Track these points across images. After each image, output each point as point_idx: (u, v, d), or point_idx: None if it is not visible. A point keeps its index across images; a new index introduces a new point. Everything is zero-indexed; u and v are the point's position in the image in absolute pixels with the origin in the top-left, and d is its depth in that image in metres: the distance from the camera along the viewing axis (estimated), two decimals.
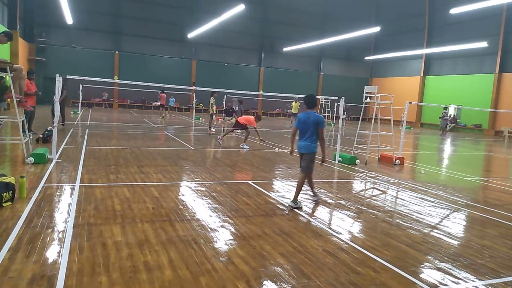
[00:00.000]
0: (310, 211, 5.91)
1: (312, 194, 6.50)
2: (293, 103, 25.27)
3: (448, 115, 27.11)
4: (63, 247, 3.92)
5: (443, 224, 5.69)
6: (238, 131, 16.30)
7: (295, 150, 6.25)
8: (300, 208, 5.91)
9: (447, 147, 19.27)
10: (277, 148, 10.05)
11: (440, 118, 26.79)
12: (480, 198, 7.72)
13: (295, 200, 5.99)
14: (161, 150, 11.10)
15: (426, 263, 4.15)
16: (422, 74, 35.50)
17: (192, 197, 6.30)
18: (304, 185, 6.20)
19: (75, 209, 5.17)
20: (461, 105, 27.97)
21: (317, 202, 6.38)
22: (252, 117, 13.37)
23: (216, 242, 4.36)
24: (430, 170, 10.88)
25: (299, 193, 6.03)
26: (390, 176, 9.44)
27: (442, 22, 33.09)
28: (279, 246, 4.35)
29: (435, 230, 5.33)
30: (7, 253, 3.69)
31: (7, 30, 8.64)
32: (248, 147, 12.72)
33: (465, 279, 3.79)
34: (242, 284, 3.41)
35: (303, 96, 6.38)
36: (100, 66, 32.11)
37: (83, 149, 10.17)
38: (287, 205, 6.04)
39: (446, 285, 3.65)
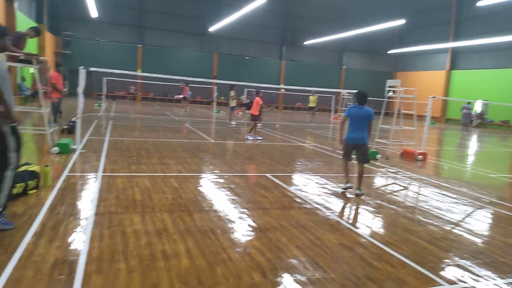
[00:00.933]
0: (328, 205, 5.88)
1: (354, 185, 6.73)
2: (311, 97, 24.99)
3: (474, 110, 26.07)
4: (84, 234, 4.03)
5: (464, 220, 5.57)
6: (259, 124, 16.29)
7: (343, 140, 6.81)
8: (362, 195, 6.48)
9: (473, 143, 18.78)
10: (446, 166, 9.74)
11: (461, 112, 25.55)
12: (506, 196, 7.51)
13: (359, 187, 6.56)
14: (181, 142, 11.23)
15: (445, 260, 4.07)
16: (448, 68, 34.58)
17: (210, 188, 6.36)
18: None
19: (97, 198, 5.30)
20: (488, 100, 27.14)
21: (358, 195, 6.52)
22: (257, 102, 13.10)
23: (233, 233, 4.39)
24: (453, 166, 10.64)
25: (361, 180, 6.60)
26: (412, 171, 9.28)
27: (470, 15, 32.08)
28: (295, 238, 4.35)
29: (456, 227, 5.22)
30: (32, 238, 3.82)
31: (36, 25, 8.89)
32: (252, 138, 12.66)
33: (485, 277, 3.71)
34: (257, 274, 3.43)
35: (321, 89, 6.64)
36: (124, 59, 32.60)
37: (106, 140, 10.39)
38: (354, 193, 6.52)
39: (465, 282, 3.58)
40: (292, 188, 6.69)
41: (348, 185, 6.76)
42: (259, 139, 12.63)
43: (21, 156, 4.19)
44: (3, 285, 2.95)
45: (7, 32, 6.84)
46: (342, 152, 6.96)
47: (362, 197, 6.45)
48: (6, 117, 3.93)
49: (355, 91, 11.94)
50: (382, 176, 8.61)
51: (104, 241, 3.90)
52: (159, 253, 3.71)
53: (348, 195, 6.52)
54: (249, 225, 4.69)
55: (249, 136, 12.79)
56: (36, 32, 8.22)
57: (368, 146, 6.67)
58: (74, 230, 4.13)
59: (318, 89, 12.75)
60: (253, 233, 4.44)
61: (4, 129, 3.94)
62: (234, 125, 17.37)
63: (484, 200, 6.87)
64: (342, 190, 6.71)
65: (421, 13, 36.61)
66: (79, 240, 3.87)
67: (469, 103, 25.23)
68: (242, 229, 4.54)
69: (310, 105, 25.04)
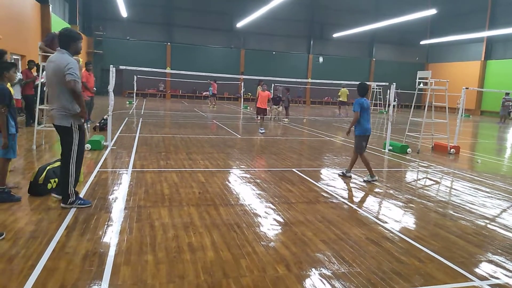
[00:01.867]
0: (355, 199, 5.81)
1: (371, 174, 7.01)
2: (342, 90, 23.91)
3: (511, 101, 24.93)
4: (114, 227, 4.16)
5: (498, 215, 5.37)
6: (286, 119, 16.23)
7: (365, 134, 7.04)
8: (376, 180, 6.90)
9: (509, 136, 18.01)
10: (479, 160, 9.69)
11: (502, 103, 24.61)
12: None
13: (372, 174, 6.95)
14: (209, 138, 11.36)
15: (476, 255, 3.95)
16: (483, 59, 33.24)
17: (236, 183, 6.41)
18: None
19: (127, 193, 5.45)
20: None
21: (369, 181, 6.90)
22: (261, 95, 13.51)
23: (258, 226, 4.42)
24: (488, 160, 10.25)
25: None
26: (443, 165, 9.01)
27: (507, 1, 30.65)
28: (321, 233, 4.33)
29: (489, 222, 5.04)
30: (65, 231, 3.99)
31: (68, 27, 9.11)
32: (263, 131, 13.06)
33: None
34: (281, 267, 3.44)
35: (350, 82, 6.67)
36: (153, 58, 33.23)
37: (136, 137, 10.64)
38: (364, 179, 6.98)
39: (498, 278, 3.46)
40: (318, 183, 6.65)
41: (375, 177, 6.94)
42: (262, 131, 13.04)
43: (83, 151, 4.87)
44: (39, 274, 3.10)
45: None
46: (359, 146, 7.06)
47: (391, 191, 6.33)
48: (81, 117, 4.69)
49: (384, 83, 11.75)
50: (412, 170, 8.41)
51: (133, 234, 4.01)
52: (186, 245, 3.79)
53: (377, 190, 6.41)
54: (274, 219, 4.70)
55: (260, 130, 13.13)
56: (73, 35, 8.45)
57: None
58: (105, 223, 4.27)
59: (348, 82, 12.44)
60: (278, 227, 4.45)
61: (75, 126, 4.63)
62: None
63: None
64: (370, 182, 6.91)
65: (454, 2, 35.30)
66: (109, 233, 4.00)
67: (508, 94, 24.17)
68: (267, 223, 4.56)
69: (341, 99, 24.00)
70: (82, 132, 4.78)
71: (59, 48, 4.61)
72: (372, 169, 7.03)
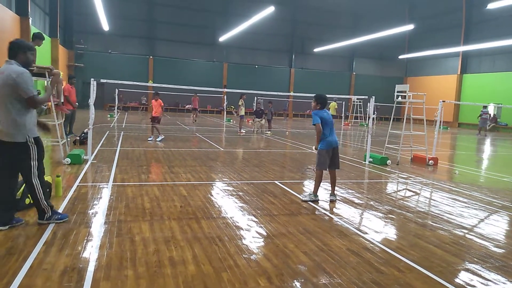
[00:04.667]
0: (336, 211, 5.87)
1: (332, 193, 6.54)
2: (331, 104, 23.51)
3: (488, 114, 25.89)
4: (94, 242, 4.10)
5: (475, 225, 5.50)
6: (268, 132, 16.32)
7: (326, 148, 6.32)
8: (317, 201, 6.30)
9: (486, 147, 18.51)
10: (457, 171, 9.83)
11: (478, 117, 25.53)
12: None
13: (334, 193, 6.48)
14: (191, 151, 11.33)
15: (454, 264, 4.03)
16: (459, 72, 34.25)
17: (219, 196, 6.40)
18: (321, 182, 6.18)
19: (107, 207, 5.38)
20: (501, 104, 26.76)
21: (333, 201, 6.39)
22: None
23: (240, 239, 4.42)
24: (465, 170, 10.51)
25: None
26: (422, 176, 9.20)
27: (480, 18, 31.83)
28: (302, 244, 4.36)
29: (466, 231, 5.16)
30: (43, 247, 3.91)
31: (35, 32, 8.97)
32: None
33: (495, 281, 3.66)
34: (263, 280, 3.45)
35: (332, 96, 6.48)
36: (135, 71, 33.09)
37: (117, 151, 10.53)
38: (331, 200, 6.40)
39: (474, 286, 3.54)
40: (301, 195, 6.68)
41: (318, 197, 6.34)
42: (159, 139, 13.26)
43: (43, 165, 4.57)
44: None
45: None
46: (320, 162, 6.27)
47: (371, 202, 6.42)
48: (41, 128, 4.53)
49: (365, 97, 11.98)
50: (392, 182, 8.55)
51: (113, 248, 3.96)
52: (167, 260, 3.76)
53: (357, 201, 6.50)
54: (257, 232, 4.71)
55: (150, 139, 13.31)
56: (39, 38, 8.31)
57: None
58: (84, 238, 4.20)
59: (330, 95, 12.54)
60: (260, 240, 4.46)
61: (30, 141, 4.34)
62: (243, 134, 17.44)
63: (496, 204, 6.78)
64: (310, 200, 6.25)
65: (430, 18, 36.49)
66: (89, 248, 3.94)
67: (485, 107, 25.01)
68: (249, 235, 4.57)
69: (331, 113, 23.70)
70: (40, 145, 4.45)
71: (7, 59, 4.36)
72: (349, 181, 7.06)
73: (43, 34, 8.67)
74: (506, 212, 6.31)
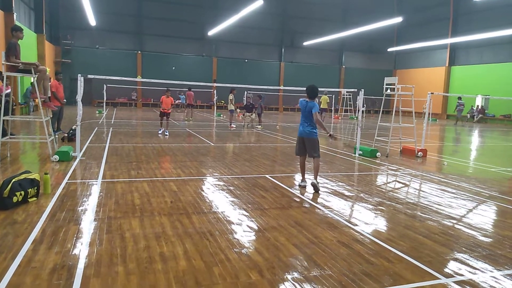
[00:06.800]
0: (327, 203, 5.90)
1: (302, 179, 6.89)
2: (322, 97, 23.17)
3: (463, 105, 27.30)
4: (83, 239, 4.07)
5: (463, 215, 5.57)
6: (258, 126, 16.31)
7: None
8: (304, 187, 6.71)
9: (474, 138, 18.74)
10: (445, 162, 9.87)
11: (455, 109, 26.97)
12: (506, 190, 7.49)
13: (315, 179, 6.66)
14: (181, 147, 11.28)
15: (442, 254, 4.08)
16: (447, 65, 34.55)
17: (209, 191, 6.40)
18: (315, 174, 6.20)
19: (96, 204, 5.34)
20: (489, 95, 27.09)
21: (303, 187, 6.75)
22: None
23: (231, 234, 4.42)
24: (454, 161, 10.63)
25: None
26: (411, 168, 9.28)
27: (468, 10, 32.09)
28: (293, 237, 4.37)
29: (454, 221, 5.23)
30: (31, 245, 3.87)
31: (14, 25, 8.81)
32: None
33: (482, 269, 3.72)
34: (254, 274, 3.46)
35: (321, 89, 6.65)
36: (124, 66, 32.76)
37: (106, 147, 10.45)
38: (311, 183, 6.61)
39: (462, 275, 3.59)
40: (291, 189, 6.72)
41: (303, 183, 6.82)
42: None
43: None
44: None
45: None
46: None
47: (361, 195, 6.47)
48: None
49: (353, 90, 12.03)
50: (382, 174, 8.62)
51: (103, 245, 3.93)
52: (157, 255, 3.74)
53: (348, 193, 6.54)
54: (248, 226, 4.72)
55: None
56: (18, 30, 8.14)
57: (317, 139, 6.72)
58: (74, 235, 4.17)
59: (321, 88, 12.38)
60: (251, 234, 4.47)
61: None
62: (234, 128, 17.42)
63: (484, 194, 6.88)
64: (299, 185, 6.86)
65: (418, 11, 36.69)
66: (78, 246, 3.91)
67: (460, 98, 26.23)
68: (240, 230, 4.57)
69: (322, 106, 22.67)
70: None
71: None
72: (339, 174, 7.13)
73: (21, 26, 8.50)
74: (493, 202, 6.41)
